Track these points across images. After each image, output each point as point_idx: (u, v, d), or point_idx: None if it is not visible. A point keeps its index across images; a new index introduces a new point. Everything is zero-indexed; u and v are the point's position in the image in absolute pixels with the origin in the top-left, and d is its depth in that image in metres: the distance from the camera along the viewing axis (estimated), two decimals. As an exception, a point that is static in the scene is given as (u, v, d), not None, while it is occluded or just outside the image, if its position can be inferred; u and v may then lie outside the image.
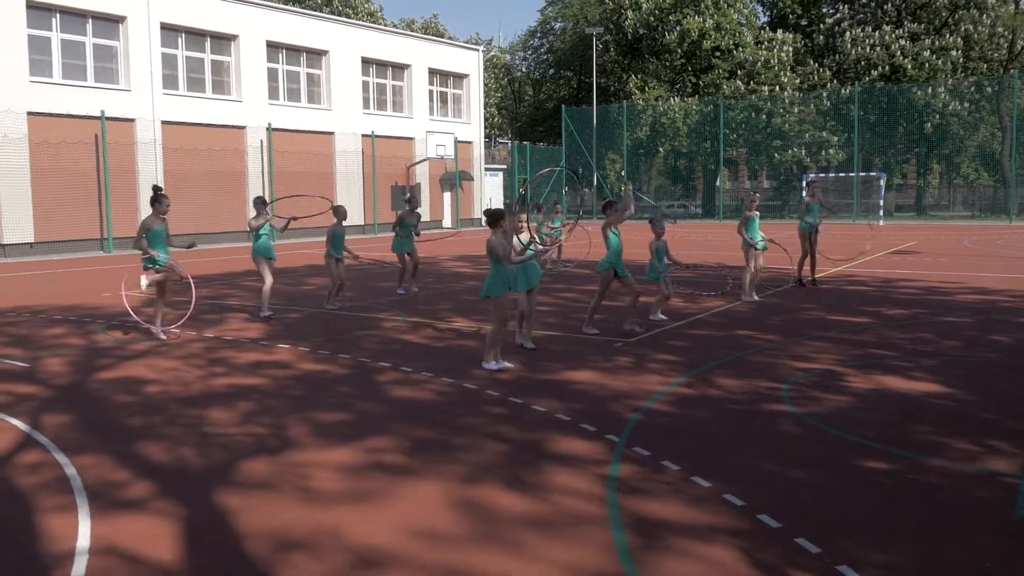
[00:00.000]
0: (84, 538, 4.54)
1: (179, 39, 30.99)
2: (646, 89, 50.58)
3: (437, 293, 15.15)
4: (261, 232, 12.38)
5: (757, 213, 13.74)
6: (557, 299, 13.98)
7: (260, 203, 12.54)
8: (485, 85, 64.73)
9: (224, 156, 32.07)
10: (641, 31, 51.27)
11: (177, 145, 30.34)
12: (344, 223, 13.23)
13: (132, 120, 29.06)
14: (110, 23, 28.76)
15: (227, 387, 7.96)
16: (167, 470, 5.66)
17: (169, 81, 30.61)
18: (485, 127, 65.32)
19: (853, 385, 7.70)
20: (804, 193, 14.09)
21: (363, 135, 37.62)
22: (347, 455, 5.87)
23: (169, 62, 30.67)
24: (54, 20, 27.17)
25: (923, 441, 6.04)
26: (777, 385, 7.71)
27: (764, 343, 9.77)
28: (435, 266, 20.34)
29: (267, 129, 33.14)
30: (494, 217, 8.60)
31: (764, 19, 54.84)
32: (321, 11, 55.50)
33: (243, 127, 32.85)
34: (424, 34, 57.01)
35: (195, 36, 31.60)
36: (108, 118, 27.83)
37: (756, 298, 13.40)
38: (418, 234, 15.15)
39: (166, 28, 30.26)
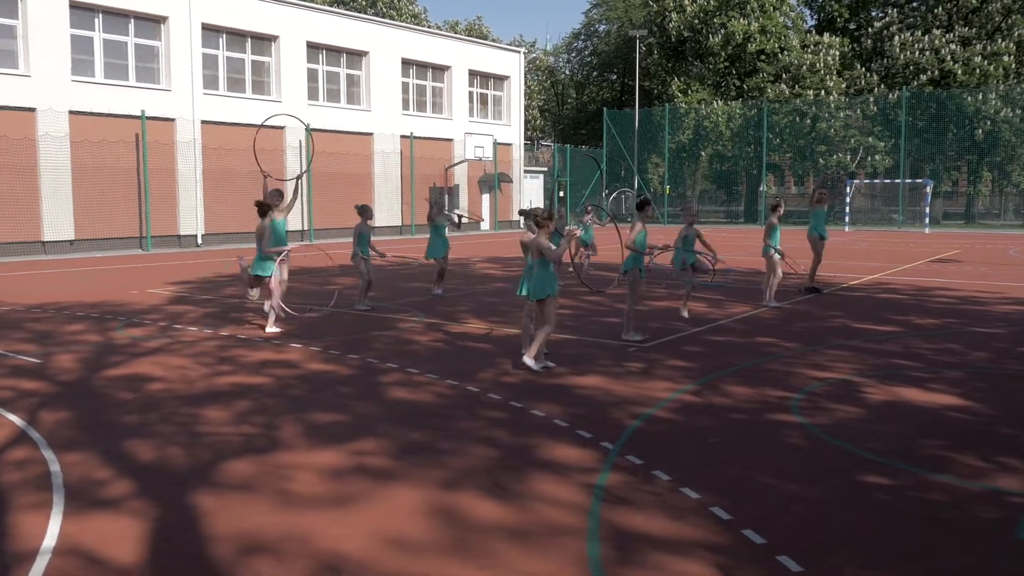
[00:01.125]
0: (51, 537, 4.48)
1: (220, 39, 31.31)
2: (689, 92, 50.05)
3: (461, 295, 15.04)
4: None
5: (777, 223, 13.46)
6: (578, 302, 13.77)
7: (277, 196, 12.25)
8: (528, 87, 64.73)
9: (263, 156, 32.25)
10: (685, 34, 50.72)
11: (216, 145, 30.63)
12: (371, 222, 13.11)
13: (172, 120, 29.40)
14: (152, 23, 29.14)
15: (230, 386, 7.92)
16: (150, 469, 5.60)
17: (209, 81, 30.93)
18: (527, 129, 65.31)
19: (868, 396, 7.42)
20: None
21: (402, 136, 37.69)
22: (333, 457, 5.76)
23: (210, 62, 30.99)
24: (97, 20, 27.59)
25: (931, 456, 5.77)
26: (789, 394, 7.46)
27: (783, 351, 9.50)
28: (465, 267, 20.25)
29: (306, 129, 33.33)
30: (541, 218, 8.43)
31: (811, 22, 53.97)
32: (365, 13, 55.94)
33: (282, 127, 33.07)
34: (467, 36, 57.11)
35: (236, 36, 31.90)
36: (148, 117, 28.19)
37: (775, 304, 13.11)
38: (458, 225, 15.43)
39: (207, 28, 30.58)
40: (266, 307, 11.27)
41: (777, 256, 13.22)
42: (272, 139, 32.67)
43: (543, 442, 6.06)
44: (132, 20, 28.56)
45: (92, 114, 27.13)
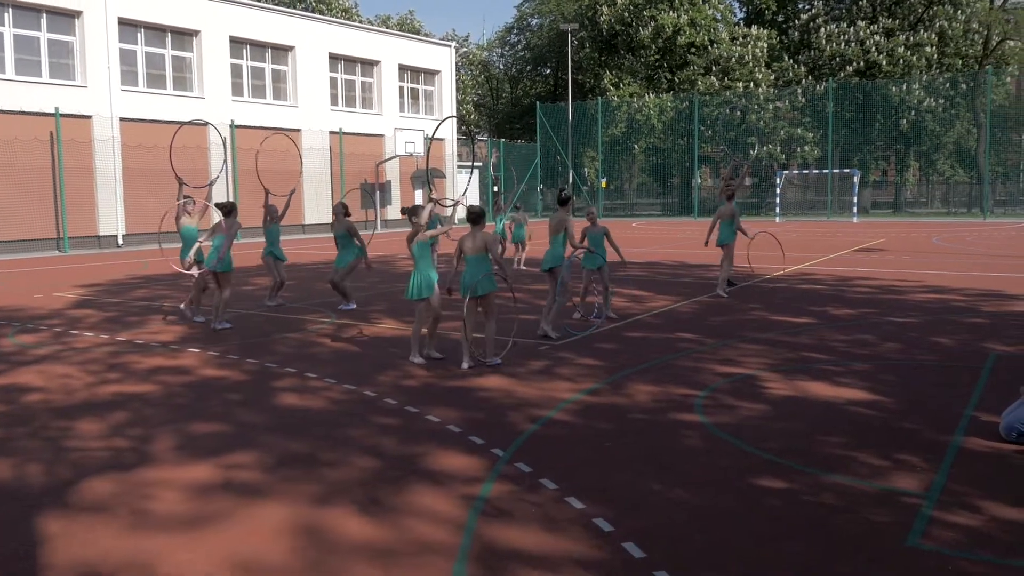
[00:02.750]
0: None
1: (138, 34, 30.33)
2: (620, 86, 50.15)
3: (377, 293, 14.65)
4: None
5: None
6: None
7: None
8: (462, 82, 64.25)
9: (185, 153, 31.40)
10: (616, 27, 50.78)
11: (136, 142, 29.67)
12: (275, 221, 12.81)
13: (89, 117, 28.39)
14: (65, 18, 28.07)
15: (112, 395, 7.46)
16: (2, 490, 5.16)
17: (128, 77, 29.94)
18: (462, 124, 64.85)
19: (773, 392, 7.27)
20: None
21: (331, 132, 37.02)
22: (203, 472, 5.39)
23: (128, 58, 29.99)
24: (6, 15, 26.47)
25: (829, 455, 5.60)
26: (693, 392, 7.27)
27: (696, 346, 9.34)
28: (388, 264, 19.84)
29: (230, 126, 32.51)
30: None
31: (739, 15, 54.48)
32: (294, 7, 54.93)
33: (206, 124, 32.19)
34: (399, 31, 56.42)
35: (155, 31, 30.94)
36: (63, 115, 27.16)
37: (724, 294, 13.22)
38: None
39: (124, 23, 29.57)
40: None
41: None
42: (195, 136, 31.80)
43: (430, 450, 5.76)
44: (44, 15, 27.48)
45: (3, 112, 26.03)
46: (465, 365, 8.31)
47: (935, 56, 44.83)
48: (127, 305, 13.54)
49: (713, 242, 13.57)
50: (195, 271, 11.40)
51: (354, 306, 12.45)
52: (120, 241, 29.11)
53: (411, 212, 8.75)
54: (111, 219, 28.97)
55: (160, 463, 5.59)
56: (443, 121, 13.92)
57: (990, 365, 8.18)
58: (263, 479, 5.26)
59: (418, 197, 41.75)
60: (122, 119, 29.30)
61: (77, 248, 27.60)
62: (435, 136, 16.31)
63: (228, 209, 11.17)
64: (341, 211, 12.27)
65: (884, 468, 5.34)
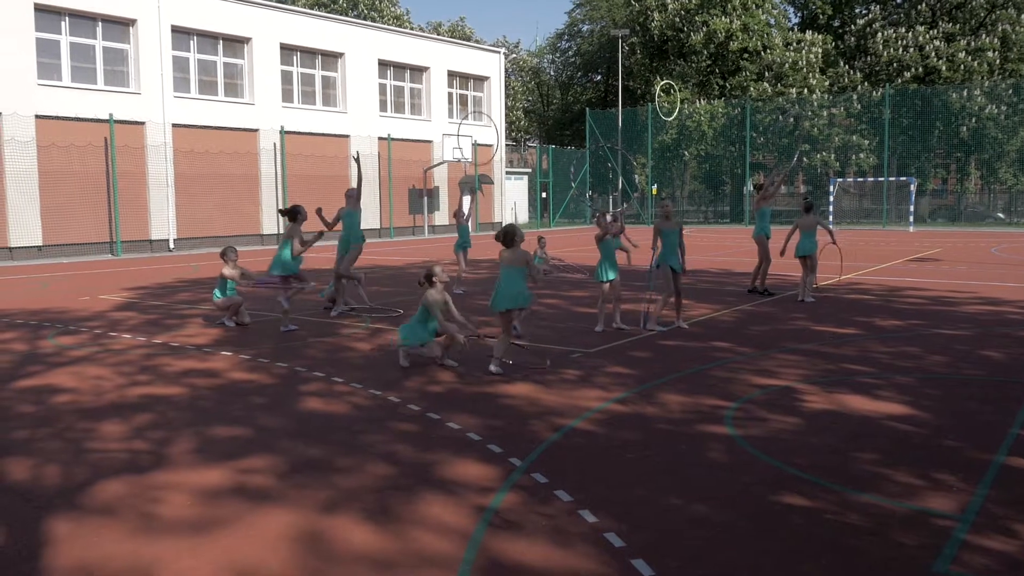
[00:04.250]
0: None
1: (191, 42, 30.84)
2: (672, 92, 49.69)
3: (416, 299, 14.56)
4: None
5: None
6: (537, 306, 13.34)
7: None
8: (512, 88, 64.30)
9: (236, 159, 31.88)
10: (667, 33, 50.36)
11: (188, 148, 30.16)
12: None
13: (142, 123, 28.91)
14: (120, 26, 28.65)
15: (140, 397, 7.49)
16: (15, 491, 5.17)
17: (180, 84, 30.45)
18: (512, 130, 64.91)
19: (808, 405, 7.02)
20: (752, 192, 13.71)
21: (379, 138, 37.25)
22: (216, 476, 5.34)
23: (180, 65, 30.52)
24: (63, 23, 27.11)
25: (861, 472, 5.36)
26: (724, 404, 7.05)
27: (733, 356, 9.10)
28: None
29: (280, 132, 32.90)
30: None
31: (794, 20, 53.68)
32: (347, 15, 55.52)
33: (256, 130, 32.63)
34: (450, 37, 56.66)
35: (207, 39, 31.43)
36: (117, 121, 27.70)
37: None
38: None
39: (177, 31, 30.10)
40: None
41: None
42: (246, 142, 32.24)
43: (446, 458, 5.64)
44: (100, 23, 28.06)
45: (59, 118, 26.64)
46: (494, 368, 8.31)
47: (997, 61, 43.65)
48: (169, 308, 13.68)
49: (791, 251, 13.55)
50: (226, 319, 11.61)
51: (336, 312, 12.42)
52: (171, 245, 29.58)
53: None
54: (163, 224, 29.46)
55: (175, 466, 5.56)
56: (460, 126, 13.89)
57: (1040, 380, 7.83)
58: (275, 485, 5.19)
59: (466, 203, 41.79)
60: (174, 125, 29.78)
61: (130, 252, 28.09)
62: (462, 134, 16.49)
63: (293, 214, 11.21)
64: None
65: (918, 487, 5.08)
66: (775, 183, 14.98)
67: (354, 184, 12.22)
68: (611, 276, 10.67)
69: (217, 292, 11.87)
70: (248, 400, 7.35)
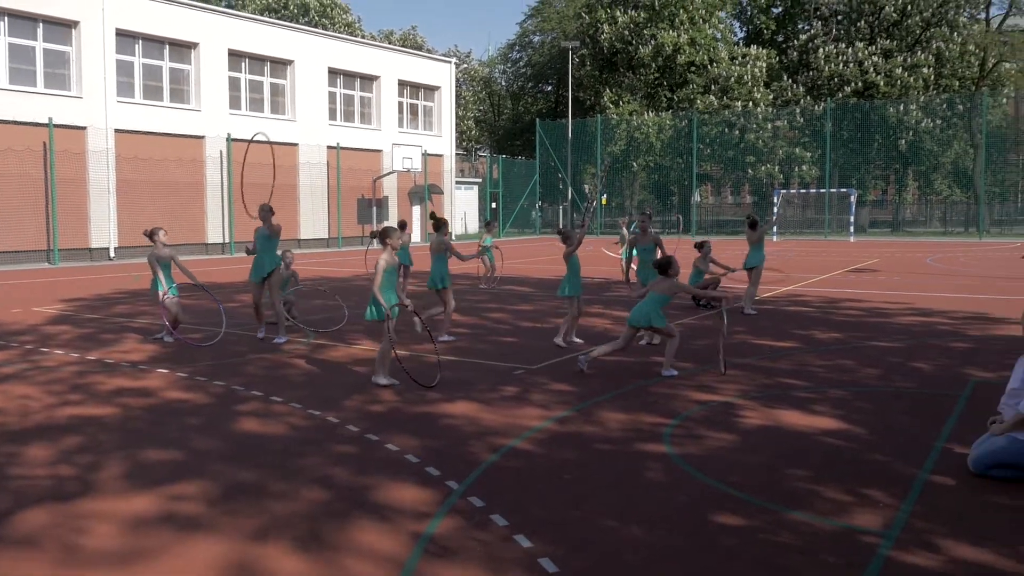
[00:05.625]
0: None
1: (136, 46, 30.33)
2: (620, 103, 50.17)
3: (361, 312, 14.45)
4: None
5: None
6: (480, 319, 13.36)
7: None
8: (463, 98, 64.34)
9: (182, 166, 31.40)
10: (617, 45, 50.88)
11: (131, 154, 29.63)
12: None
13: (83, 128, 28.35)
14: (62, 28, 28.07)
15: (69, 419, 7.30)
16: (-66, 521, 5.01)
17: (124, 88, 29.92)
18: (463, 140, 64.91)
19: (745, 421, 7.11)
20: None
21: (328, 146, 36.98)
22: (144, 503, 5.22)
23: (125, 69, 29.99)
24: (2, 24, 26.49)
25: (794, 490, 5.44)
26: (664, 421, 7.11)
27: (675, 371, 9.17)
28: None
29: (227, 139, 32.49)
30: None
31: (739, 35, 54.58)
32: (297, 21, 55.07)
33: (202, 137, 32.19)
34: (402, 46, 56.53)
35: (153, 43, 30.94)
36: (57, 125, 27.13)
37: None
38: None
39: (122, 34, 29.58)
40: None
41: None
42: (192, 149, 31.78)
43: (383, 482, 5.59)
44: (40, 24, 27.49)
45: (-5, 122, 26.02)
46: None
47: (932, 77, 44.86)
48: (105, 322, 13.40)
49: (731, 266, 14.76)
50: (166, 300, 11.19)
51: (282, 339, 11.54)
52: (112, 254, 29.01)
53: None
54: (103, 232, 28.90)
55: (103, 493, 5.43)
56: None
57: (968, 393, 8.02)
58: (205, 512, 5.09)
59: (416, 213, 41.64)
60: (117, 130, 29.27)
61: (68, 260, 27.50)
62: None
63: (437, 225, 11.49)
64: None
65: (848, 504, 5.17)
66: (581, 231, 14.17)
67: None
68: (579, 291, 10.71)
69: (159, 285, 11.15)
70: (182, 421, 7.22)
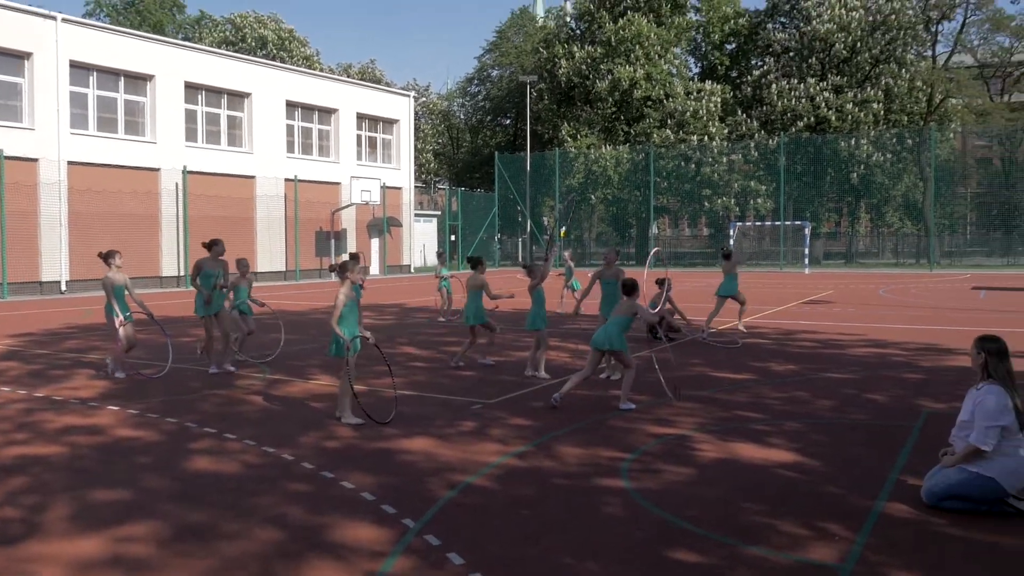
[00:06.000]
0: None
1: (90, 77, 30.05)
2: (578, 137, 50.67)
3: (319, 346, 14.33)
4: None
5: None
6: (439, 353, 13.30)
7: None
8: (422, 131, 64.55)
9: (136, 199, 31.04)
10: (574, 80, 51.48)
11: (85, 186, 29.25)
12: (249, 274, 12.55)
13: (35, 160, 27.96)
14: (14, 59, 27.77)
15: (15, 458, 7.12)
16: None
17: (78, 120, 29.61)
18: (421, 173, 65.02)
19: (702, 454, 7.13)
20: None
21: (286, 179, 36.82)
22: (92, 546, 5.09)
23: (79, 101, 29.70)
24: (-49, 57, 26.15)
25: (751, 524, 5.45)
26: (622, 455, 7.11)
27: (632, 404, 9.18)
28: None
29: (183, 171, 32.21)
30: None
31: (695, 70, 55.52)
32: (255, 54, 55.01)
33: (157, 169, 31.90)
34: (360, 79, 56.66)
35: (108, 75, 30.69)
36: (8, 157, 26.75)
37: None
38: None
39: (76, 66, 29.32)
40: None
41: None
42: (146, 181, 31.44)
43: (338, 521, 5.51)
44: (-9, 57, 27.16)
45: (-57, 155, 25.56)
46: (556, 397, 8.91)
47: (882, 112, 45.96)
48: (55, 357, 13.13)
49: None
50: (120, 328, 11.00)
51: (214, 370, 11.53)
52: (63, 287, 28.51)
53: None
54: (55, 265, 28.42)
55: (48, 535, 5.28)
56: None
57: (920, 424, 8.14)
58: (155, 553, 4.97)
59: (374, 246, 41.54)
60: (70, 163, 28.93)
61: (17, 294, 26.98)
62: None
63: (475, 263, 11.71)
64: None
65: (804, 537, 5.19)
66: (546, 264, 14.08)
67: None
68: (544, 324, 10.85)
69: (113, 311, 10.96)
70: (132, 459, 7.07)
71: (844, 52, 46.42)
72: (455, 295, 18.99)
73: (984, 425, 5.55)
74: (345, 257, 8.80)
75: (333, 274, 8.61)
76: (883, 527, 5.37)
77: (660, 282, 14.95)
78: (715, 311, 15.25)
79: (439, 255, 19.41)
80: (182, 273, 32.20)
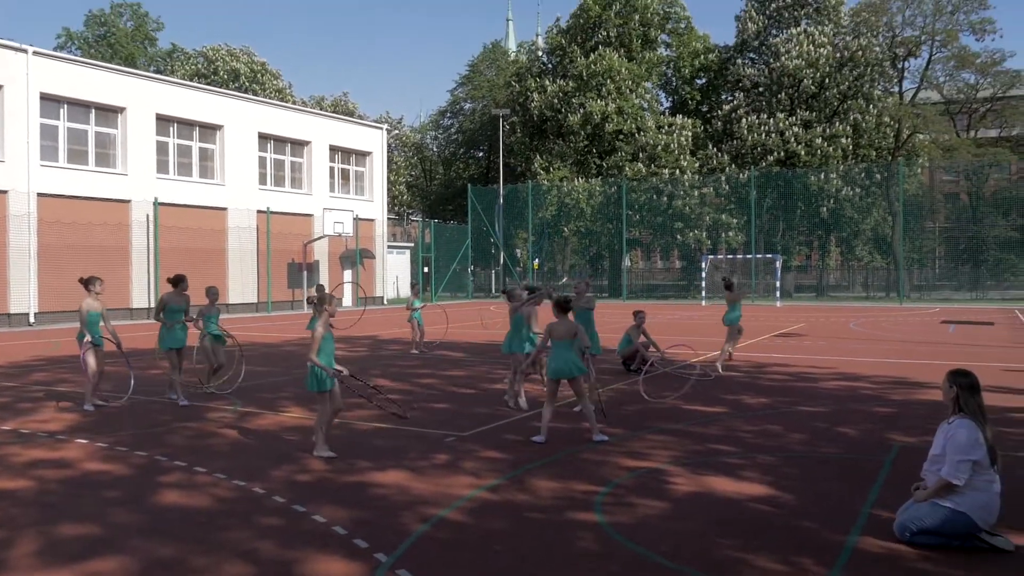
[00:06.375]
0: None
1: (61, 110, 29.88)
2: (551, 170, 51.02)
3: (292, 378, 14.23)
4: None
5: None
6: (412, 386, 13.25)
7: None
8: (395, 163, 64.72)
9: (107, 231, 30.78)
10: (546, 113, 51.93)
11: (54, 218, 28.97)
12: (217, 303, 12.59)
13: (4, 192, 27.68)
14: (-17, 91, 27.56)
15: (-20, 494, 6.99)
16: None
17: (48, 152, 29.39)
18: (394, 205, 65.10)
19: (675, 488, 7.14)
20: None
21: (258, 211, 36.70)
22: (58, 584, 5.00)
23: (49, 133, 29.50)
24: (-80, 86, 25.90)
25: (724, 558, 5.45)
26: (595, 488, 7.10)
27: (605, 436, 9.18)
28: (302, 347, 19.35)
29: (154, 203, 32.01)
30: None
31: (665, 104, 56.17)
32: (227, 86, 55.03)
33: (128, 201, 31.67)
34: (333, 111, 56.79)
35: (78, 107, 30.52)
36: (-24, 189, 26.44)
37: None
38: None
39: (46, 98, 29.15)
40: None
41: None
42: (117, 213, 31.21)
43: (310, 555, 5.45)
44: (-40, 88, 26.94)
45: (-91, 185, 25.24)
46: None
47: (850, 147, 46.68)
48: (22, 390, 12.93)
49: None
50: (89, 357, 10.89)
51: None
52: (32, 319, 28.14)
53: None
54: (23, 297, 28.06)
55: (15, 570, 5.19)
56: None
57: (891, 457, 8.20)
58: (122, 591, 4.89)
59: (347, 277, 41.41)
60: (40, 194, 28.64)
61: (-16, 326, 26.55)
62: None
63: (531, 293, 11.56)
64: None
65: (778, 572, 5.20)
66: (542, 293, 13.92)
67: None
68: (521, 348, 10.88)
69: (84, 334, 11.00)
70: (100, 494, 6.96)
71: (812, 88, 47.21)
72: (425, 327, 18.98)
73: (956, 459, 5.59)
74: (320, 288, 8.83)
75: (309, 306, 8.57)
76: (856, 562, 5.39)
77: (636, 314, 15.14)
78: (730, 340, 15.13)
79: (412, 287, 19.40)
80: (152, 305, 31.86)
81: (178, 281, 11.72)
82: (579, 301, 11.67)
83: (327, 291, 8.77)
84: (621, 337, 15.70)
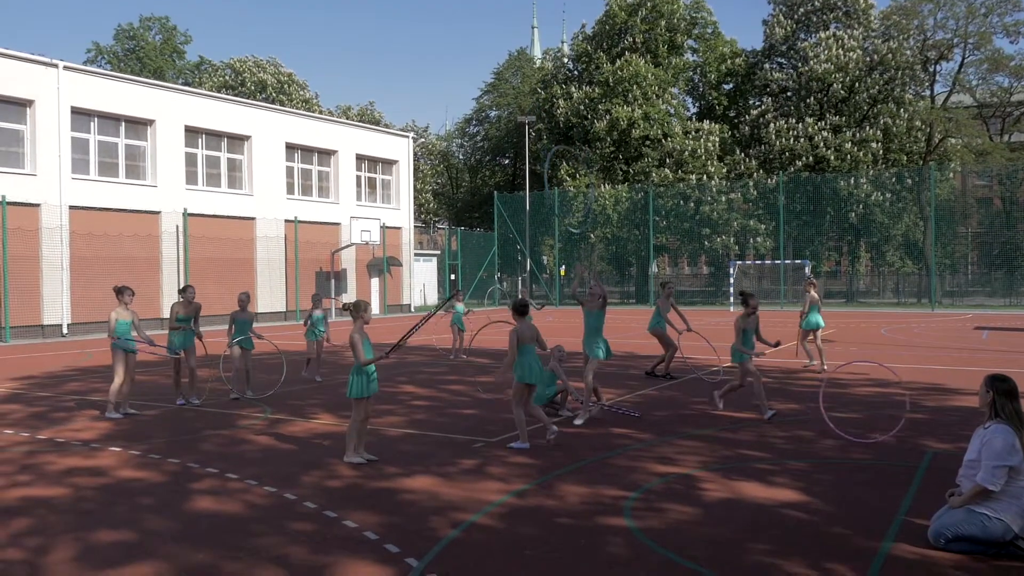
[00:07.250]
0: None
1: (91, 123, 30.29)
2: (577, 176, 50.98)
3: (323, 385, 14.32)
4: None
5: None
6: (439, 392, 13.28)
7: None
8: (422, 171, 64.99)
9: (137, 242, 31.14)
10: (572, 120, 51.94)
11: (86, 230, 29.34)
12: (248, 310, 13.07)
13: (37, 205, 28.08)
14: (16, 107, 27.97)
15: (18, 500, 7.09)
16: None
17: (79, 165, 29.77)
18: (421, 212, 65.35)
19: (707, 493, 7.10)
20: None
21: (286, 220, 36.98)
22: (94, 589, 5.07)
23: (80, 146, 29.89)
24: (-44, 102, 26.38)
25: (756, 564, 5.42)
26: (625, 494, 7.08)
27: (634, 443, 9.17)
28: (334, 354, 19.51)
29: (183, 214, 32.35)
30: (522, 308, 9.22)
31: (692, 110, 55.98)
32: (254, 97, 55.56)
33: (158, 212, 32.03)
34: (360, 121, 57.12)
35: (108, 120, 30.90)
36: (10, 203, 26.83)
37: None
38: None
39: (77, 112, 29.56)
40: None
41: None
42: (147, 224, 31.58)
43: (341, 560, 5.48)
44: (-5, 103, 27.39)
45: (-54, 198, 25.68)
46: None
47: (881, 152, 46.22)
48: (56, 400, 13.10)
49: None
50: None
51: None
52: (65, 331, 28.50)
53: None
54: (56, 308, 28.42)
55: (50, 577, 5.26)
56: None
57: (926, 464, 8.10)
58: (157, 595, 4.95)
59: (374, 285, 41.61)
60: (71, 207, 29.02)
61: (19, 338, 26.93)
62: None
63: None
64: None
65: (810, 578, 5.16)
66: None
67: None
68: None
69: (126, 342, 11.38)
70: (135, 501, 7.04)
71: (842, 92, 46.83)
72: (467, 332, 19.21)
73: (991, 465, 5.51)
74: (357, 299, 9.03)
75: (347, 312, 8.60)
76: (890, 569, 5.34)
77: (664, 284, 15.37)
78: (816, 348, 16.15)
79: (455, 293, 19.30)
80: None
81: (182, 291, 12.70)
82: (593, 302, 11.51)
83: (357, 299, 8.84)
84: (650, 318, 15.42)
